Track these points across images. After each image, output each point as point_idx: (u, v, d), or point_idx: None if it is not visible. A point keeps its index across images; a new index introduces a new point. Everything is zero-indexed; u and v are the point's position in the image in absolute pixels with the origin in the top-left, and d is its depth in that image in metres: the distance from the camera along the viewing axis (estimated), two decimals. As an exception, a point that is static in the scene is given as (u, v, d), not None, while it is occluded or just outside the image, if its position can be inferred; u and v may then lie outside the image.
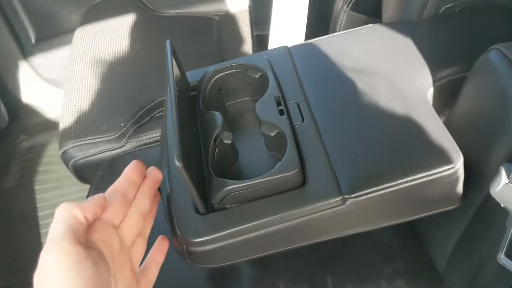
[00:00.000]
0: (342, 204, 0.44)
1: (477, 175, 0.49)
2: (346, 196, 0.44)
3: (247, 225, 0.44)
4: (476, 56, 0.51)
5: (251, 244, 0.45)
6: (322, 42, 0.60)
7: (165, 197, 0.48)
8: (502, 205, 0.44)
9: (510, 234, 0.43)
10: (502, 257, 0.44)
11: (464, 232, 0.53)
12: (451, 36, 0.61)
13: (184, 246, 0.45)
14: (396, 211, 0.48)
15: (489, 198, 0.45)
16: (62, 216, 0.38)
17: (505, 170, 0.43)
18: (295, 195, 0.44)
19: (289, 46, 0.60)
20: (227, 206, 0.45)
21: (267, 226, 0.44)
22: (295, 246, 0.48)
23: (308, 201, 0.44)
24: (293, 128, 0.49)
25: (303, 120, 0.50)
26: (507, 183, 0.43)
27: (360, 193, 0.44)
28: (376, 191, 0.44)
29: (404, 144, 0.47)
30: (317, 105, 0.52)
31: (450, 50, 0.59)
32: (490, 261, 0.49)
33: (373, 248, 0.65)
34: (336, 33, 0.62)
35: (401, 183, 0.45)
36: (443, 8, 0.64)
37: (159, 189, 0.49)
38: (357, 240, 0.59)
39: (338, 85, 0.54)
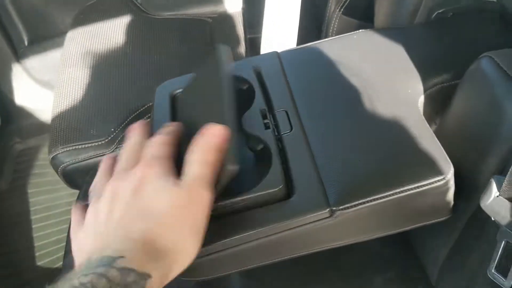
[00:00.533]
0: (330, 216, 0.43)
1: (468, 186, 0.48)
2: (334, 208, 0.43)
3: (233, 238, 0.43)
4: (468, 63, 0.50)
5: (237, 257, 0.44)
6: (312, 48, 0.59)
7: None
8: (492, 219, 0.43)
9: (500, 248, 0.42)
10: (492, 272, 0.43)
11: (455, 244, 0.53)
12: (443, 42, 0.60)
13: None
14: (385, 222, 0.47)
15: (480, 210, 0.44)
16: None
17: (496, 183, 0.42)
18: (282, 207, 0.43)
19: (279, 51, 0.59)
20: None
21: (253, 239, 0.43)
22: (281, 258, 0.47)
23: (295, 213, 0.43)
24: (280, 137, 0.48)
25: (291, 128, 0.49)
26: (497, 196, 0.42)
27: (348, 205, 0.43)
28: (364, 202, 0.43)
29: (394, 154, 0.46)
30: (306, 113, 0.51)
31: (442, 56, 0.58)
32: (481, 275, 0.48)
33: (364, 258, 0.64)
34: (326, 39, 0.61)
35: (390, 195, 0.44)
36: (435, 14, 0.63)
37: None
38: (347, 250, 0.58)
39: (327, 92, 0.53)
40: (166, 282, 0.35)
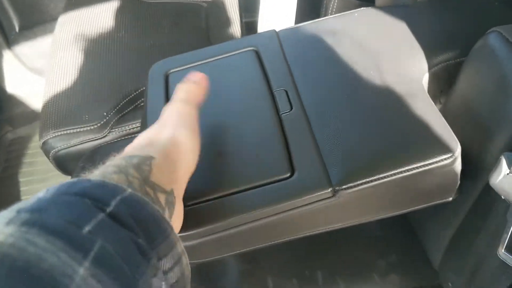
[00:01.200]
0: (332, 196, 0.42)
1: (475, 165, 0.46)
2: (337, 188, 0.41)
3: (233, 218, 0.41)
4: (473, 40, 0.49)
5: (237, 238, 0.43)
6: (312, 26, 0.57)
7: None
8: (502, 197, 0.41)
9: (511, 228, 0.41)
10: (502, 252, 0.42)
11: (461, 226, 0.51)
12: (447, 19, 0.58)
13: None
14: (389, 203, 0.46)
15: (488, 190, 0.43)
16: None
17: (506, 160, 0.40)
18: (282, 187, 0.42)
19: (277, 30, 0.58)
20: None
21: (253, 220, 0.42)
22: (283, 240, 0.45)
23: (296, 193, 0.41)
24: (280, 117, 0.47)
25: (291, 108, 0.47)
26: (508, 174, 0.40)
27: (351, 184, 0.42)
28: (368, 182, 0.42)
29: (398, 132, 0.45)
30: (306, 92, 0.49)
31: (446, 34, 0.56)
32: (489, 256, 0.47)
33: (365, 241, 0.62)
34: (326, 17, 0.59)
35: (394, 174, 0.42)
36: (439, -10, 0.61)
37: None
38: (349, 233, 0.57)
39: (328, 71, 0.51)
40: (177, 172, 0.38)
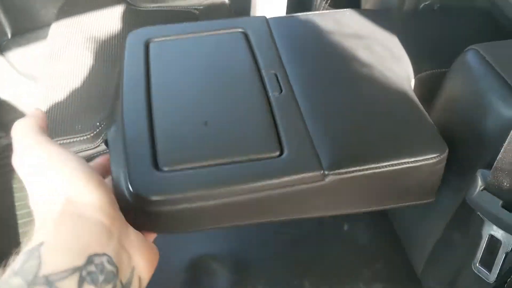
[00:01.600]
0: (322, 179, 0.42)
1: (455, 177, 0.48)
2: (327, 172, 0.42)
3: (217, 189, 0.40)
4: (457, 53, 0.50)
5: (219, 211, 0.42)
6: (303, 17, 0.58)
7: (114, 149, 0.43)
8: (477, 213, 0.43)
9: (485, 242, 0.42)
10: (477, 266, 0.43)
11: (442, 236, 0.52)
12: (431, 32, 0.60)
13: (137, 207, 0.39)
14: (374, 195, 0.46)
15: (466, 204, 0.44)
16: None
17: (481, 177, 0.42)
18: (272, 164, 0.42)
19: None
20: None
21: (239, 194, 0.41)
22: (267, 220, 0.44)
23: (286, 171, 0.41)
24: (269, 98, 0.47)
25: (281, 90, 0.48)
26: (482, 190, 0.42)
27: (342, 170, 0.42)
28: (359, 170, 0.42)
29: (390, 127, 0.46)
30: (296, 78, 0.49)
31: (433, 43, 0.58)
32: (467, 268, 0.48)
33: (351, 251, 0.64)
34: (317, 12, 0.60)
35: (385, 166, 0.43)
36: (422, 5, 0.63)
37: (105, 141, 0.44)
38: (335, 242, 0.58)
39: (318, 61, 0.52)
40: (86, 231, 0.33)
